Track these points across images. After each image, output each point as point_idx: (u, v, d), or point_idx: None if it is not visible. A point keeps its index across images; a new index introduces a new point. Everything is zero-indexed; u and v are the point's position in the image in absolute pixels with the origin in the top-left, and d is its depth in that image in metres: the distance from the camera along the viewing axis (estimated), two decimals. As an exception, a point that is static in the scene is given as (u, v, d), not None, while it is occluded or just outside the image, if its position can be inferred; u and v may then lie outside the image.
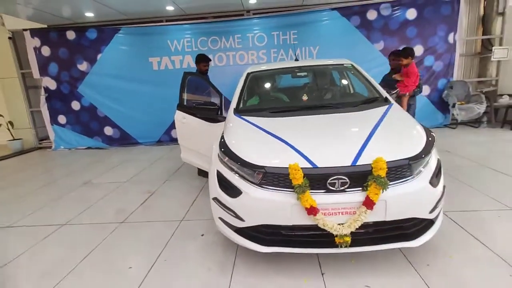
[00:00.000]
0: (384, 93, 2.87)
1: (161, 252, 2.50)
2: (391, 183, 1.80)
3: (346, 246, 1.83)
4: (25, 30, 6.71)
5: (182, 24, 6.68)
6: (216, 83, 3.81)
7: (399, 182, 1.84)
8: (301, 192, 1.76)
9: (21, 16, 6.16)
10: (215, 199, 2.19)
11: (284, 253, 2.18)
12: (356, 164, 1.81)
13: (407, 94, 4.27)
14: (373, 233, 1.93)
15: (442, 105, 6.81)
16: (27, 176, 5.13)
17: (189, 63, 6.70)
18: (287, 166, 1.82)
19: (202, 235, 2.72)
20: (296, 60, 3.64)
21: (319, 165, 1.84)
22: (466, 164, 4.22)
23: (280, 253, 2.14)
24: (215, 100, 3.33)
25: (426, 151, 1.94)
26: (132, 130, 7.19)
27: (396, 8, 6.43)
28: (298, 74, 3.38)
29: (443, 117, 6.91)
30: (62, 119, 7.25)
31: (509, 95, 6.40)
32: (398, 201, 1.81)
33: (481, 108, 6.25)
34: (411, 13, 6.44)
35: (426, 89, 6.76)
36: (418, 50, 6.56)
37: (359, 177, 1.81)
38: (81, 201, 3.76)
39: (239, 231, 2.06)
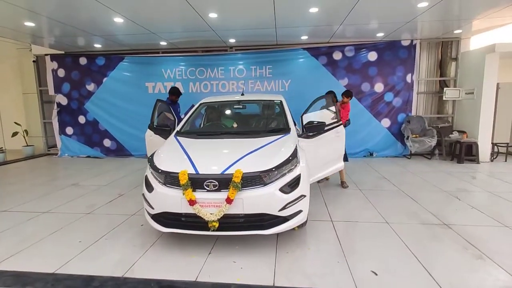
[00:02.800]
0: (291, 125, 3.71)
1: (106, 233, 3.36)
2: (247, 187, 2.62)
3: (214, 230, 2.63)
4: (47, 55, 8.11)
5: (174, 56, 7.87)
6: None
7: (253, 187, 2.64)
8: (184, 189, 2.61)
9: (45, 45, 7.53)
10: (143, 194, 3.06)
11: (191, 237, 3.01)
12: (224, 173, 2.65)
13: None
14: (241, 223, 2.72)
15: (402, 137, 7.51)
16: (31, 176, 6.18)
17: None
18: (179, 172, 2.68)
19: (142, 225, 3.56)
20: (242, 94, 4.57)
21: (200, 172, 2.69)
22: (389, 188, 4.91)
23: (188, 237, 2.98)
24: (171, 123, 4.26)
25: (277, 167, 2.72)
26: (127, 144, 8.27)
27: (359, 50, 7.36)
28: (236, 106, 4.30)
29: (403, 148, 7.59)
30: (69, 130, 8.44)
31: (459, 131, 7.06)
32: (251, 200, 2.60)
33: (432, 142, 6.91)
34: (372, 55, 7.34)
35: (386, 122, 7.54)
36: (379, 87, 7.42)
37: (225, 182, 2.62)
38: (64, 197, 4.70)
39: (153, 217, 2.90)
